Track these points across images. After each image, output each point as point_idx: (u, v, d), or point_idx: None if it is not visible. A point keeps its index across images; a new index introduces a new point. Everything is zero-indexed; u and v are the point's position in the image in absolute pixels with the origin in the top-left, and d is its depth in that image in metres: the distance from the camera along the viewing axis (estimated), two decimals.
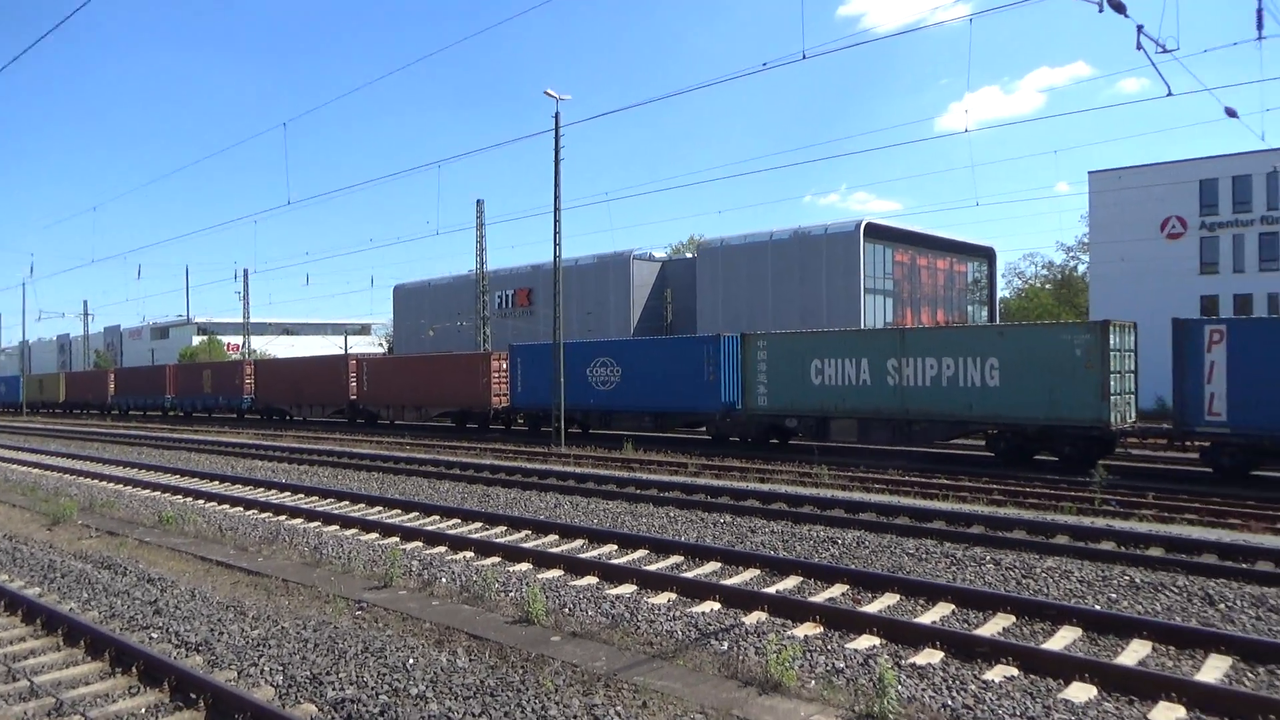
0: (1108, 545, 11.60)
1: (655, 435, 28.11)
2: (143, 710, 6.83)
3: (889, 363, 21.84)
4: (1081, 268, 60.89)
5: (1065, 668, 7.09)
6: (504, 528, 13.94)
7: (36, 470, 24.49)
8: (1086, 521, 12.99)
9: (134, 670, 7.57)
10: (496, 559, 11.74)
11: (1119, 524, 12.79)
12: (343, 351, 71.41)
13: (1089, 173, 49.20)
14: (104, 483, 21.27)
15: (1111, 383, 18.77)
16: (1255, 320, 23.14)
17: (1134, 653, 7.60)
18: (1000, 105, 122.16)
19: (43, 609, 9.29)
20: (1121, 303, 42.29)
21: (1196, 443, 18.32)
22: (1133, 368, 20.06)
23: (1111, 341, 18.93)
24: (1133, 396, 20.07)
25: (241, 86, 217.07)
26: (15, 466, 25.71)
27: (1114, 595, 9.46)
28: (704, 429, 28.08)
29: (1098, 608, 8.88)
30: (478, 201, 54.33)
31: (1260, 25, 16.33)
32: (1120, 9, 13.85)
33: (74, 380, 67.27)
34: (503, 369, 33.52)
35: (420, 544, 12.86)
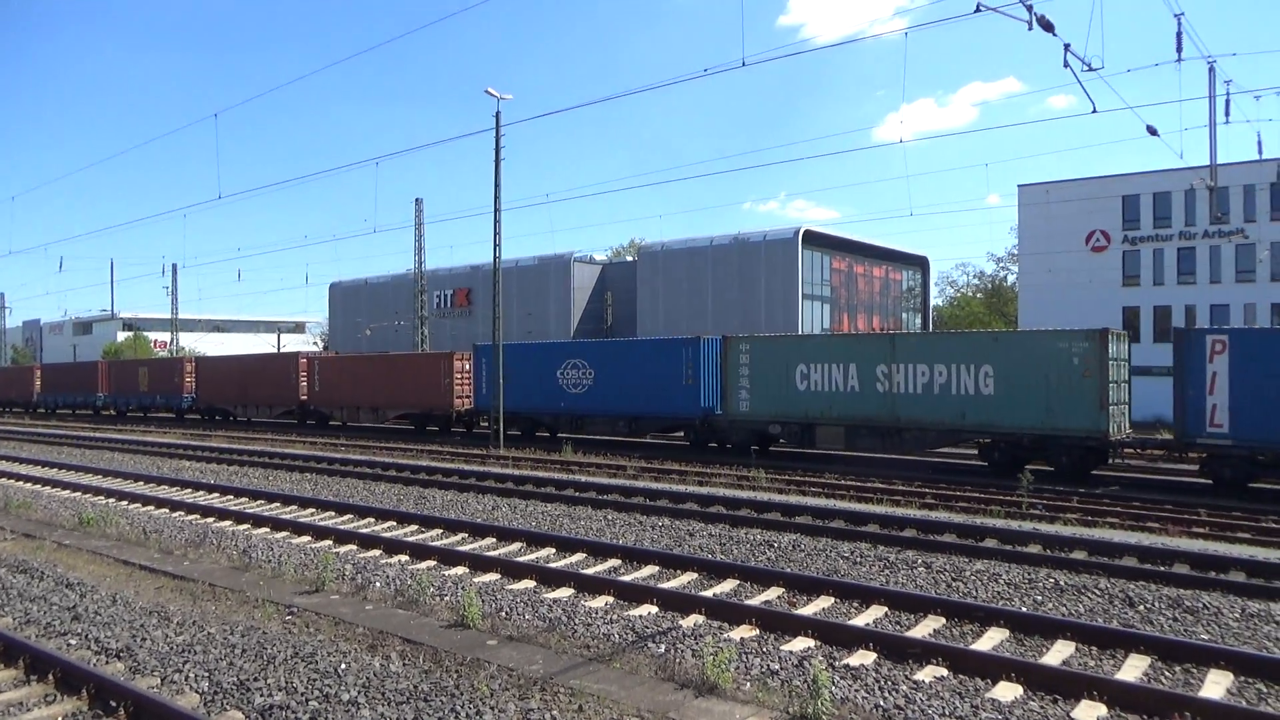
0: (1034, 548, 11.94)
1: (629, 441, 27.15)
2: (60, 719, 6.58)
3: (878, 369, 21.25)
4: (1011, 278, 62.73)
5: (993, 668, 7.27)
6: (440, 530, 13.77)
7: None
8: (1015, 525, 13.34)
9: (51, 678, 7.28)
10: (432, 562, 11.60)
11: (1045, 528, 13.16)
12: (280, 350, 69.82)
13: (1019, 186, 50.77)
14: (20, 483, 20.43)
15: (1110, 392, 18.41)
16: (1260, 331, 22.70)
17: (1058, 653, 7.83)
18: (935, 118, 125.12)
19: None
20: (1049, 312, 43.68)
21: (1196, 454, 18.20)
22: (1128, 377, 19.88)
23: (1110, 350, 18.56)
24: (1128, 406, 19.89)
25: (171, 75, 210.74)
26: None
27: (1040, 597, 9.73)
28: (681, 434, 27.22)
29: (1024, 609, 9.13)
30: (416, 200, 53.89)
31: (1179, 48, 17.05)
32: (1048, 27, 14.29)
33: None
34: (466, 370, 32.34)
35: (354, 547, 12.63)
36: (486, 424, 31.22)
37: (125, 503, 17.10)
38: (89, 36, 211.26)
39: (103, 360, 56.93)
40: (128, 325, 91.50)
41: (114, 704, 6.64)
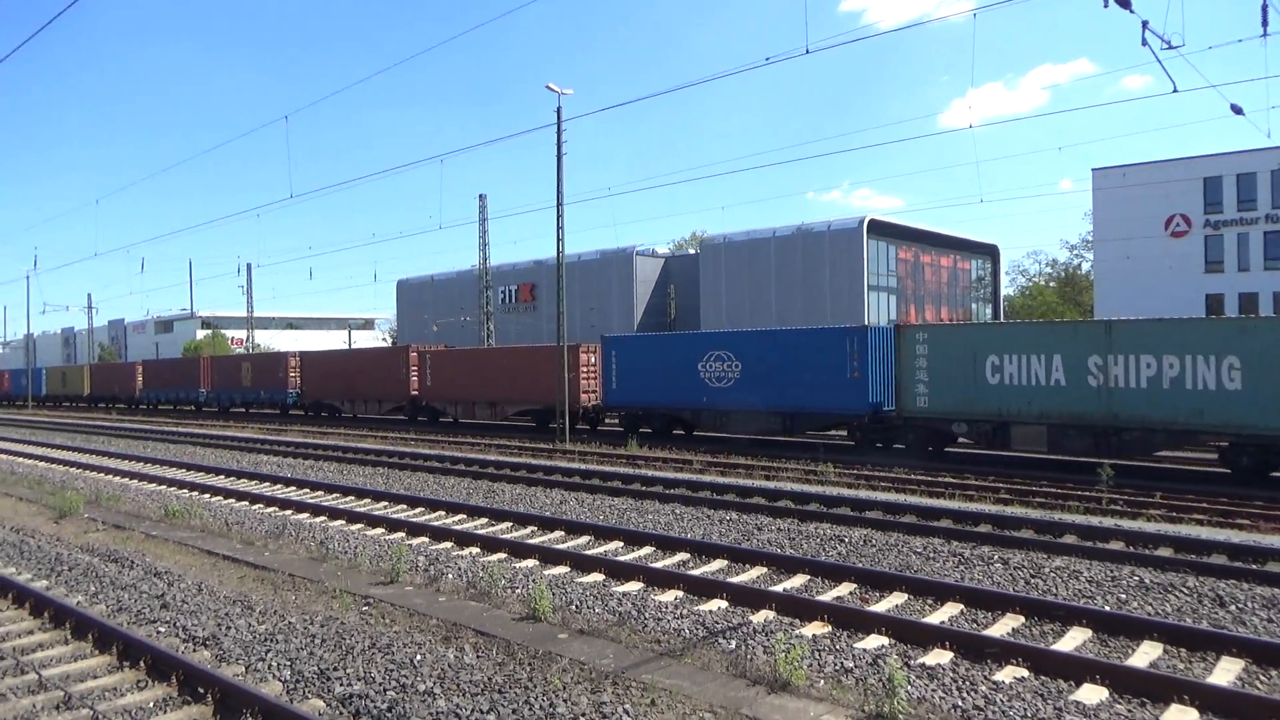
0: (1116, 545, 11.57)
1: (782, 440, 24.95)
2: (151, 704, 6.82)
3: (1090, 360, 18.79)
4: (1086, 265, 60.83)
5: (1076, 669, 7.06)
6: (510, 523, 13.93)
7: (43, 464, 24.53)
8: (1094, 521, 12.94)
9: (142, 664, 7.56)
10: (502, 555, 11.73)
11: (1127, 524, 12.75)
12: (350, 345, 71.40)
13: (1093, 170, 49.23)
14: (110, 476, 21.30)
15: None
16: None
17: (1145, 654, 7.57)
18: (1003, 102, 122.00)
19: (51, 602, 9.29)
20: (1127, 300, 42.27)
21: None
22: None
23: None
24: None
25: (243, 78, 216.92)
26: (22, 460, 25.76)
27: (1124, 596, 9.42)
28: (844, 433, 25.01)
29: (1107, 608, 8.85)
30: (480, 196, 54.29)
31: (1265, 23, 16.25)
32: (1125, 4, 13.80)
33: (99, 372, 63.92)
34: (592, 363, 30.44)
35: (426, 539, 12.85)
36: (615, 420, 30.33)
37: (208, 495, 17.69)
38: (166, 44, 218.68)
39: (205, 356, 55.70)
40: (206, 323, 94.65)
41: (202, 691, 6.87)
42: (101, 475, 21.48)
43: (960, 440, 21.58)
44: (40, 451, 27.82)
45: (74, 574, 11.09)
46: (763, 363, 25.00)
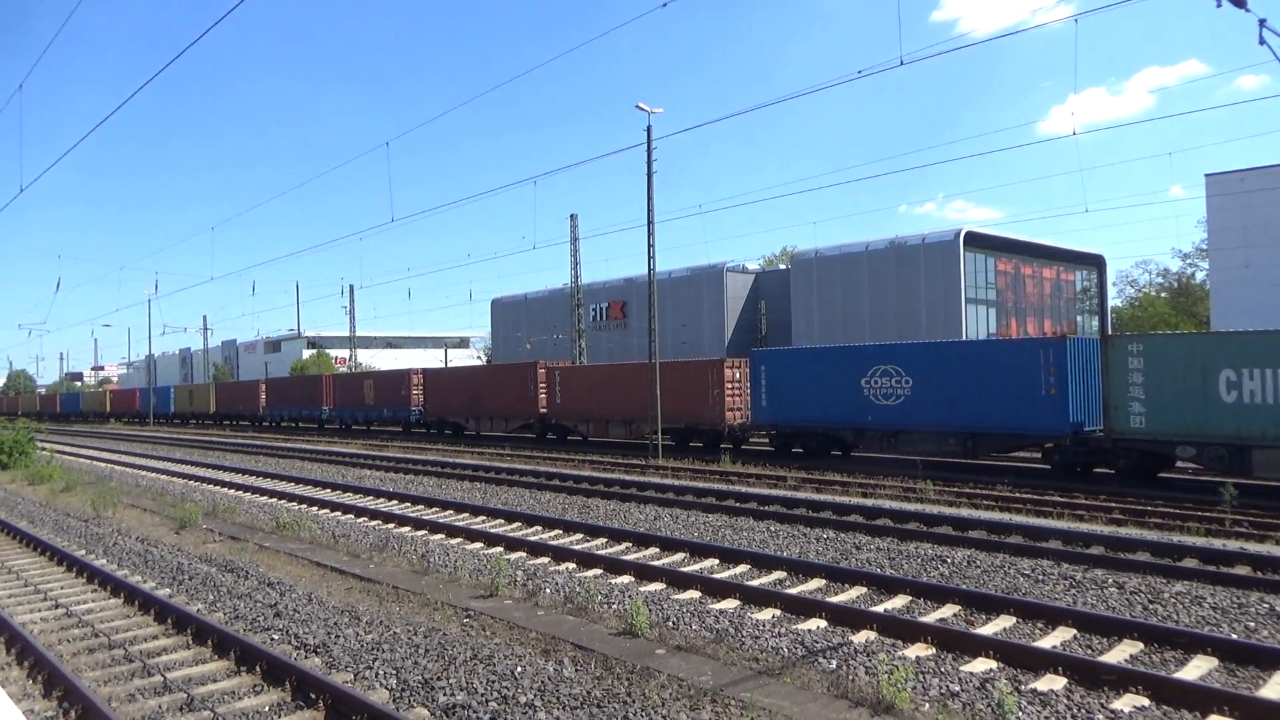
0: (1242, 569, 10.92)
1: (963, 463, 22.91)
2: (266, 708, 7.10)
3: None
4: (1200, 275, 57.82)
5: (1201, 699, 6.69)
6: (605, 539, 14.02)
7: (164, 477, 25.89)
8: (1217, 544, 12.24)
9: (257, 669, 7.89)
10: (599, 571, 11.81)
11: (1253, 547, 12.01)
12: (447, 364, 73.27)
13: (1206, 175, 46.68)
14: (225, 489, 22.32)
15: None
16: None
17: (1278, 686, 7.11)
18: (1107, 107, 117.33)
19: (173, 609, 9.78)
20: (1246, 312, 39.96)
21: None
22: None
23: None
24: None
25: (347, 108, 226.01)
26: (146, 473, 27.26)
27: (1252, 624, 8.88)
28: (1039, 456, 22.78)
29: (1235, 637, 8.36)
30: (571, 216, 55.00)
31: None
32: (1240, 3, 13.12)
33: (225, 391, 65.10)
34: (738, 379, 28.90)
35: (524, 554, 13.04)
36: (767, 439, 28.40)
37: (315, 508, 18.35)
38: (277, 78, 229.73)
39: (327, 374, 55.38)
40: (311, 343, 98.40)
41: (314, 696, 7.12)
42: (218, 488, 22.53)
43: (1203, 467, 19.13)
44: (163, 465, 29.37)
45: (194, 582, 11.65)
46: (939, 378, 22.86)
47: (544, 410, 35.60)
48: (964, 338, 46.96)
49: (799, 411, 25.59)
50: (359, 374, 54.22)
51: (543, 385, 35.69)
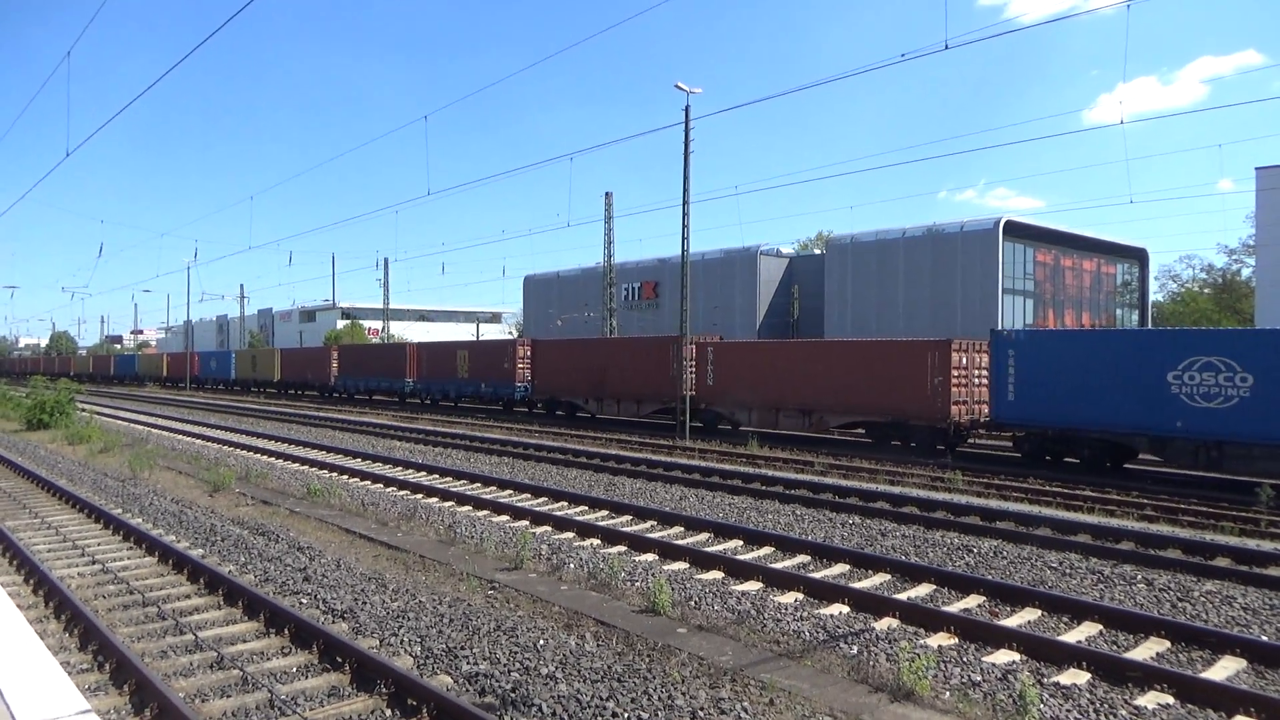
0: (1276, 571, 10.74)
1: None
2: (294, 670, 7.25)
3: None
4: (1246, 271, 56.53)
5: (1228, 700, 6.61)
6: (630, 517, 14.08)
7: (199, 441, 26.38)
8: (1251, 544, 12.04)
9: (286, 632, 8.05)
10: (623, 548, 11.88)
11: None
12: (479, 338, 73.68)
13: (1257, 169, 45.41)
14: (258, 455, 22.70)
15: None
16: None
17: None
18: (1157, 97, 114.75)
19: (206, 569, 9.99)
20: None
21: None
22: None
23: None
24: None
25: (386, 82, 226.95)
26: (181, 437, 27.79)
27: None
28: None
29: (1265, 638, 8.23)
30: (606, 194, 54.90)
31: None
32: None
33: (291, 358, 59.57)
34: (963, 364, 23.14)
35: (549, 528, 13.15)
36: (1012, 442, 22.79)
37: (345, 476, 18.61)
38: (317, 50, 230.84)
39: (412, 343, 49.21)
40: (345, 314, 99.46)
41: (340, 660, 7.25)
42: (250, 454, 22.91)
43: None
44: (199, 430, 29.92)
45: (226, 544, 11.88)
46: None
47: (691, 393, 29.59)
48: (999, 328, 46.41)
49: (1065, 410, 20.19)
50: (451, 344, 47.96)
51: (690, 363, 29.97)
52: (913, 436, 23.80)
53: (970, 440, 24.41)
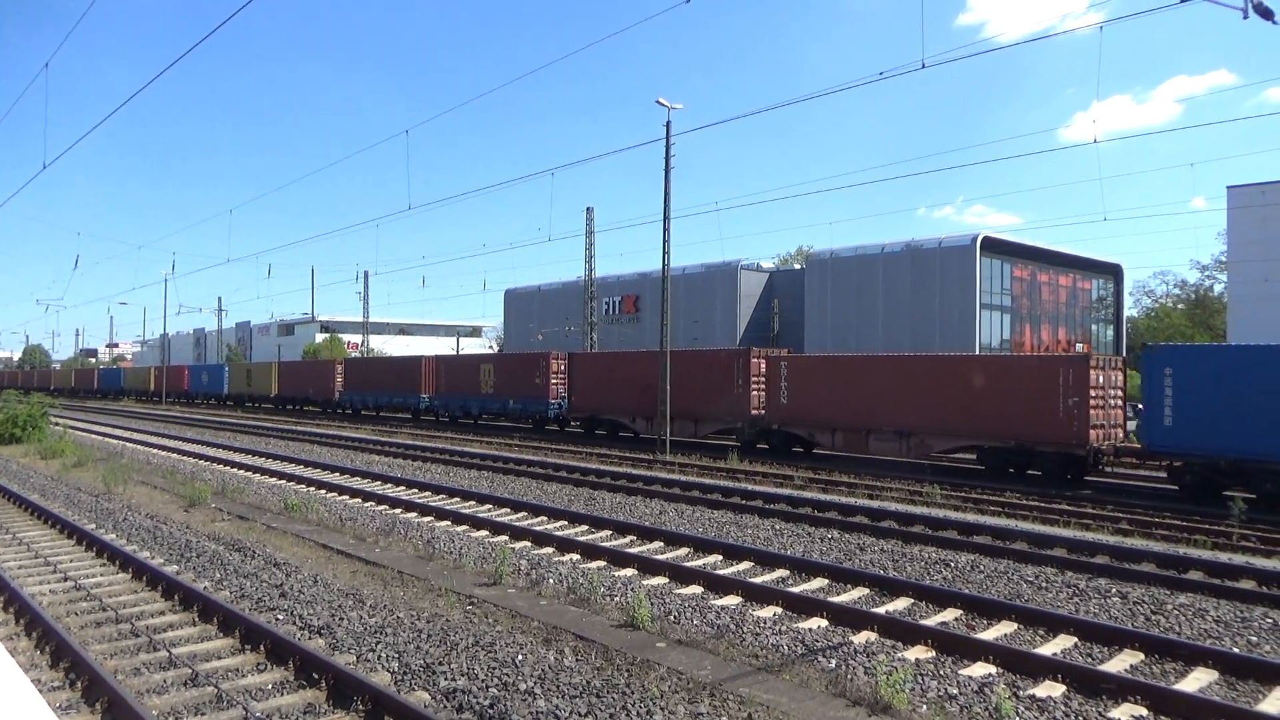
0: (1248, 584, 10.87)
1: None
2: (270, 686, 7.18)
3: None
4: (1218, 287, 57.42)
5: (1201, 711, 6.69)
6: (610, 532, 14.06)
7: (175, 456, 26.09)
8: (1223, 557, 12.19)
9: (262, 648, 7.97)
10: (602, 562, 11.86)
11: (1260, 562, 11.96)
12: (459, 352, 73.40)
13: (1228, 187, 46.31)
14: (234, 469, 22.48)
15: None
16: None
17: (1278, 700, 7.10)
18: (1131, 116, 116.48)
19: (180, 586, 9.88)
20: (1263, 326, 39.68)
21: None
22: None
23: None
24: None
25: (367, 96, 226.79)
26: (156, 451, 27.48)
27: (1254, 638, 8.85)
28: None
29: (1237, 650, 8.33)
30: (587, 209, 54.97)
31: None
32: (1267, 15, 13.00)
33: (290, 371, 56.90)
34: (1104, 383, 20.49)
35: (529, 543, 13.10)
36: (1167, 473, 19.25)
37: (323, 491, 18.46)
38: (298, 64, 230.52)
39: (429, 356, 45.44)
40: (325, 327, 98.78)
41: (316, 676, 7.19)
42: (226, 469, 22.69)
43: None
44: (175, 445, 29.59)
45: (201, 560, 11.76)
46: None
47: (758, 411, 27.41)
48: (977, 344, 46.78)
49: (1238, 438, 17.26)
50: (475, 357, 46.29)
51: (756, 379, 27.62)
52: (1038, 464, 21.11)
53: (1106, 468, 21.35)
